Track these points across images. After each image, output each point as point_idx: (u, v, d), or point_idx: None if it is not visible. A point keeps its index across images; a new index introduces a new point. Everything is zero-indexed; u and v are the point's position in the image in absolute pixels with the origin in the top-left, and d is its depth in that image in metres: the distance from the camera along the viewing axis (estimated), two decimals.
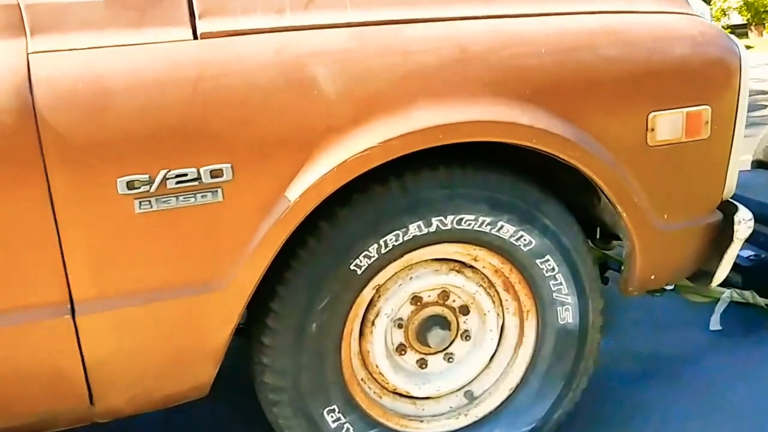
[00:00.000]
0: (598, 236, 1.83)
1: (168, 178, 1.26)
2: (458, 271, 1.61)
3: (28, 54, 1.22)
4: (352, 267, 1.44)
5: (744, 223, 1.64)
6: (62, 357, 1.32)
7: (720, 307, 2.31)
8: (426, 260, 1.58)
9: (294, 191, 1.31)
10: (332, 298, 1.45)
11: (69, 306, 1.29)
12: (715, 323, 2.29)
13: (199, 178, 1.27)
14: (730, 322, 2.31)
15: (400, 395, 1.67)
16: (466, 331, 1.67)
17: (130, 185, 1.24)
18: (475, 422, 1.68)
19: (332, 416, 1.53)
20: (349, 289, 1.46)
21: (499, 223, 1.51)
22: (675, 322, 2.38)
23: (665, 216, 1.59)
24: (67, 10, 1.26)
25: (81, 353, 1.32)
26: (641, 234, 1.57)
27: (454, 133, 1.37)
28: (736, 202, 1.70)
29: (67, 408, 1.39)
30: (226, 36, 1.31)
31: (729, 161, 1.62)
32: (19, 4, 1.24)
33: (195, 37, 1.30)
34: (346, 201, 1.42)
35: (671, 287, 2.46)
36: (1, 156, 1.19)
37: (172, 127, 1.25)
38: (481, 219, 1.49)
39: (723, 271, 1.69)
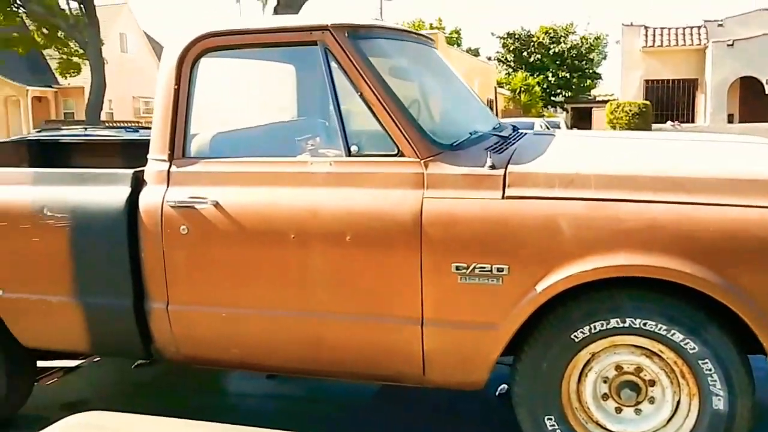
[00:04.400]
0: None
1: (476, 267, 2.46)
2: (647, 356, 2.49)
3: (423, 198, 2.53)
4: (572, 336, 2.46)
5: None
6: (412, 346, 2.59)
7: None
8: (626, 344, 2.50)
9: (540, 286, 2.40)
10: (558, 352, 2.48)
11: (420, 320, 2.56)
12: None
13: (491, 270, 2.45)
14: None
15: (600, 426, 2.59)
16: (652, 396, 2.52)
17: (457, 268, 2.48)
18: None
19: (550, 422, 2.55)
20: (569, 350, 2.48)
21: (672, 331, 2.37)
22: None
23: None
24: (444, 179, 2.54)
25: (422, 346, 2.58)
26: None
27: (635, 270, 2.31)
28: None
29: (410, 372, 2.66)
30: (519, 199, 2.47)
31: None
32: (423, 173, 2.57)
33: (503, 198, 2.48)
34: (576, 296, 2.45)
35: None
36: (405, 243, 2.52)
37: (482, 244, 2.45)
38: (660, 325, 2.37)
39: None
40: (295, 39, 2.77)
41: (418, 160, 2.59)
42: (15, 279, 2.96)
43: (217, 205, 2.70)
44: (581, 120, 32.10)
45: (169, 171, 2.81)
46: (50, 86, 29.21)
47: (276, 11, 12.84)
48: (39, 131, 12.15)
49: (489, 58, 42.51)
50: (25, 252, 2.91)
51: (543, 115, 31.92)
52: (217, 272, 2.75)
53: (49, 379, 3.70)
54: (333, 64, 2.66)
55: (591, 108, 31.79)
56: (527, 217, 2.44)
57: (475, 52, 44.39)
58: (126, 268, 2.80)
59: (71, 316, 2.93)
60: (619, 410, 2.57)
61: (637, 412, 2.56)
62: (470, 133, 2.87)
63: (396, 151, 2.62)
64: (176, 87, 2.81)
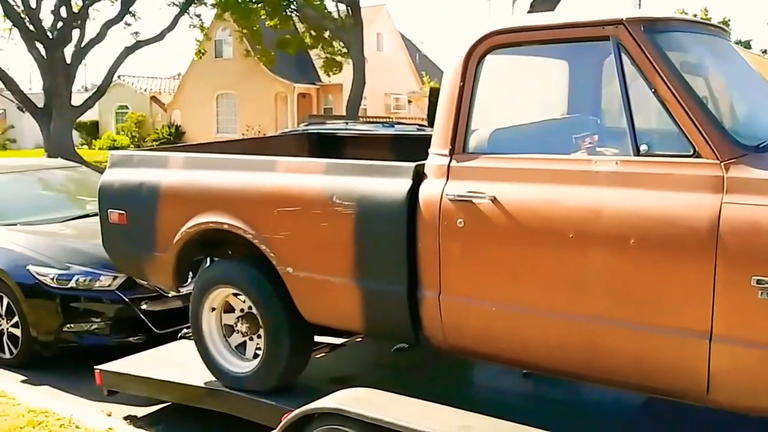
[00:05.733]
0: None
1: None
2: None
3: (721, 203, 2.33)
4: None
5: None
6: (697, 362, 2.40)
7: None
8: None
9: None
10: None
11: (709, 335, 2.36)
12: None
13: None
14: None
15: None
16: None
17: (759, 282, 2.24)
18: None
19: None
20: None
21: None
22: None
23: None
24: (748, 184, 2.31)
25: (709, 363, 2.37)
26: None
27: None
28: None
29: (691, 390, 2.46)
30: None
31: None
32: (723, 176, 2.35)
33: None
34: None
35: None
36: (698, 251, 2.33)
37: None
38: None
39: None
40: (586, 34, 2.69)
41: (718, 161, 2.38)
42: (303, 259, 3.25)
43: (494, 200, 2.72)
44: None
45: (449, 165, 2.89)
46: (313, 83, 31.72)
47: (532, 8, 12.69)
48: (307, 125, 13.32)
49: (764, 51, 38.29)
50: (314, 235, 3.18)
51: None
52: (490, 267, 2.77)
53: (319, 353, 4.02)
54: (625, 59, 2.54)
55: None
56: None
57: (747, 45, 40.22)
58: (403, 256, 2.93)
59: (350, 297, 3.14)
60: None
61: None
62: None
63: (692, 152, 2.44)
64: (461, 84, 2.87)
